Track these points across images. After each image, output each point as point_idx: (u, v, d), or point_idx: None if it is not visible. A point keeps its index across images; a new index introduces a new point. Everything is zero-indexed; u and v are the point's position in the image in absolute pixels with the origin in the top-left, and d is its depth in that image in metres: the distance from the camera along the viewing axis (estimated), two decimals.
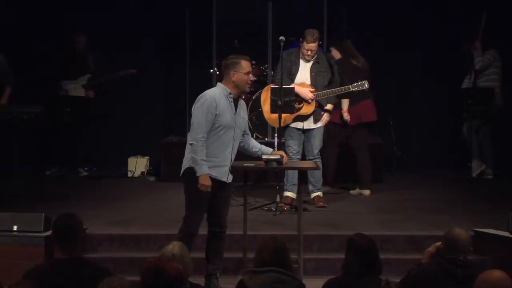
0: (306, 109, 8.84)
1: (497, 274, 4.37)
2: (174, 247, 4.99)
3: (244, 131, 6.88)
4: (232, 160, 6.74)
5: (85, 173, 11.06)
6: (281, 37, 8.79)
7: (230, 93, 6.66)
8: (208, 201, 6.68)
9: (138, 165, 11.13)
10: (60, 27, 11.43)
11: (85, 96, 10.98)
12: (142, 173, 11.15)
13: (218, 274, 6.81)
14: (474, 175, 10.69)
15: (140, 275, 4.31)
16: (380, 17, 11.54)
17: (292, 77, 8.82)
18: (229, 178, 6.75)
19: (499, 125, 11.00)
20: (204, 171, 6.53)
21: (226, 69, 6.73)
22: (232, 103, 6.67)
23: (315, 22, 9.60)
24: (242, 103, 6.84)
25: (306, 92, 8.79)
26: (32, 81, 11.07)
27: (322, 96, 8.83)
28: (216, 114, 6.56)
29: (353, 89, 8.95)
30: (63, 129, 11.00)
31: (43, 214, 7.18)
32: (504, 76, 10.81)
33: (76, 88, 10.93)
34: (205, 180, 6.53)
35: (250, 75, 6.70)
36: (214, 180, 6.62)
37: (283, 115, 8.59)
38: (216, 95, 6.62)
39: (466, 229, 5.40)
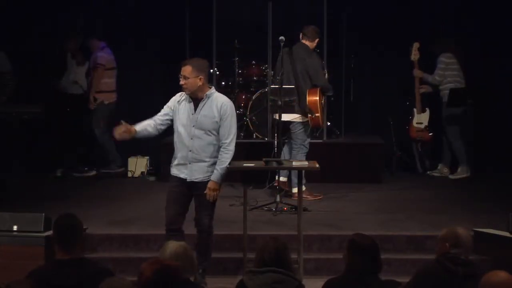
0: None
1: (502, 275, 4.36)
2: (174, 244, 4.99)
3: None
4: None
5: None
6: (281, 37, 8.79)
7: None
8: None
9: (138, 165, 11.12)
10: (59, 27, 11.41)
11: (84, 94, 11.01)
12: (142, 173, 11.13)
13: (200, 270, 6.82)
14: (428, 172, 11.06)
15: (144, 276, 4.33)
16: (380, 17, 11.53)
17: None
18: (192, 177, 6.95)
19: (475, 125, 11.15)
20: None
21: None
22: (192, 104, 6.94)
23: (315, 23, 9.58)
24: (209, 102, 6.88)
25: None
26: (31, 81, 11.05)
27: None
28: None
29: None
30: (63, 129, 10.98)
31: (43, 214, 7.19)
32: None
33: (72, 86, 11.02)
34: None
35: (179, 76, 6.90)
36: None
37: (321, 116, 9.01)
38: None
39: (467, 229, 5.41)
